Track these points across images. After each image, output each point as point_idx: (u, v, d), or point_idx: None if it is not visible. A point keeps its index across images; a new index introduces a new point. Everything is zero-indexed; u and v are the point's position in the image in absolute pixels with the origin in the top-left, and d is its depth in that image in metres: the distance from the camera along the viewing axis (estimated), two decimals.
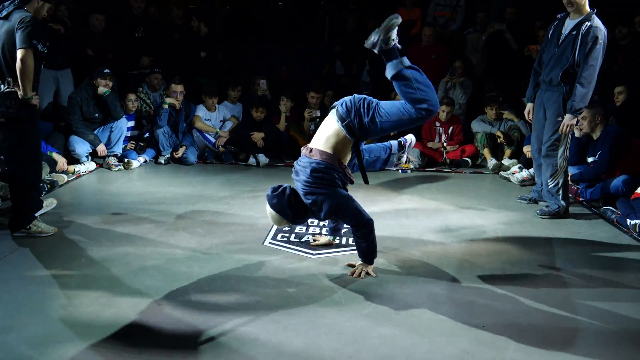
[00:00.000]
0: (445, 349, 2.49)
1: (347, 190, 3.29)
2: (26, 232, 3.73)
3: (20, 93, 3.54)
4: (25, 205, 3.75)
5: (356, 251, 3.35)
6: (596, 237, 4.05)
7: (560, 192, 4.40)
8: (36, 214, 3.84)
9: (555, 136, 4.31)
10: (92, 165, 5.69)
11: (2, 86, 3.55)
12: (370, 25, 7.59)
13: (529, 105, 4.67)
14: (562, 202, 4.41)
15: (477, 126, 6.33)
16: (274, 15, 9.15)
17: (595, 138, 4.91)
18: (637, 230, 4.01)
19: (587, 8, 4.10)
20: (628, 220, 4.13)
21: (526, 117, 4.76)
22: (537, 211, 4.49)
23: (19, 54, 3.46)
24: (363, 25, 7.70)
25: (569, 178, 4.96)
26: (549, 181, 4.42)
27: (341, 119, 3.15)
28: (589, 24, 4.03)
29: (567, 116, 4.17)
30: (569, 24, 4.17)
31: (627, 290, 3.16)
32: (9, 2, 3.59)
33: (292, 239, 3.83)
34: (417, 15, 7.71)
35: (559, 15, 4.32)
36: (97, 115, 5.72)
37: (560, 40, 4.20)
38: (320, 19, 8.68)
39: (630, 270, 3.49)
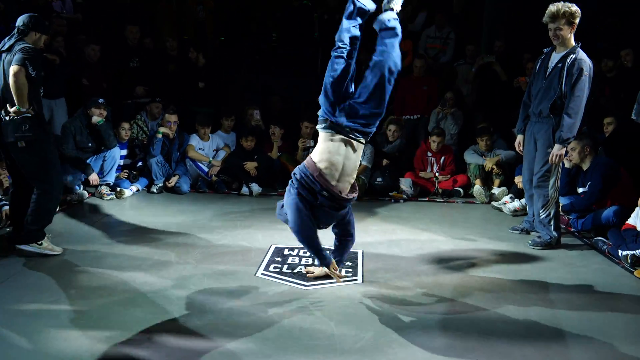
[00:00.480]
0: None
1: (318, 198, 3.23)
2: (37, 247, 3.91)
3: (18, 108, 3.75)
4: (43, 221, 3.95)
5: (349, 283, 3.33)
6: (588, 268, 4.06)
7: (552, 222, 4.42)
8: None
9: (545, 167, 4.35)
10: (84, 194, 5.67)
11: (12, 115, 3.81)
12: (363, 57, 7.73)
13: (520, 137, 4.71)
14: (554, 233, 4.43)
15: (469, 157, 6.39)
16: (267, 47, 9.28)
17: (584, 169, 4.97)
18: (629, 261, 4.02)
19: (573, 42, 4.21)
20: (619, 251, 4.14)
21: (517, 149, 4.80)
22: (530, 242, 4.50)
23: (11, 70, 3.67)
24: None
25: (560, 209, 5.00)
26: (540, 212, 4.44)
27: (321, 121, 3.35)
28: (574, 56, 4.13)
29: (556, 146, 4.23)
30: (555, 57, 4.27)
31: (619, 322, 3.16)
32: (9, 36, 3.86)
33: (284, 269, 3.81)
34: (409, 47, 7.85)
35: (545, 50, 4.42)
36: (90, 144, 5.72)
37: (547, 73, 4.29)
38: (313, 51, 8.80)
39: (622, 301, 3.48)
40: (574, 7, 4.08)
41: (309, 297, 3.37)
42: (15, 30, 3.87)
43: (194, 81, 7.09)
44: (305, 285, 3.54)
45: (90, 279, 3.55)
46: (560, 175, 4.41)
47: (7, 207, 4.42)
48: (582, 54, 4.15)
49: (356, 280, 3.67)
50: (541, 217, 4.43)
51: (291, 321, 3.03)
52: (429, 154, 6.40)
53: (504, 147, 6.42)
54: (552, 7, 4.10)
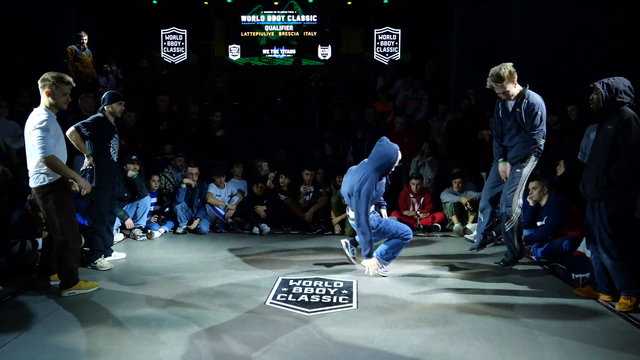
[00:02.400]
0: None
1: None
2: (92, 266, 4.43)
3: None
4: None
5: (345, 308, 3.28)
6: (547, 290, 4.01)
7: (515, 235, 4.31)
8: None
9: (513, 187, 4.24)
10: (120, 237, 5.66)
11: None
12: (353, 116, 7.89)
13: (503, 165, 4.40)
14: (517, 246, 4.34)
15: (445, 197, 6.41)
16: (273, 109, 9.48)
17: (542, 205, 4.98)
18: (581, 282, 3.99)
19: (520, 87, 4.14)
20: (572, 275, 4.12)
21: (503, 177, 4.45)
22: (500, 262, 4.44)
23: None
24: (346, 116, 7.98)
25: (522, 238, 4.97)
26: (505, 225, 4.30)
27: None
28: (527, 101, 4.10)
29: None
30: (511, 103, 4.22)
31: (576, 330, 3.10)
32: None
33: (289, 298, 3.76)
34: (390, 107, 8.02)
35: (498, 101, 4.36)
36: (126, 194, 5.75)
37: (509, 115, 4.24)
38: (312, 111, 8.98)
39: (577, 315, 3.45)
40: (507, 69, 4.03)
41: (311, 322, 3.31)
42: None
43: (212, 133, 7.17)
44: (308, 312, 3.48)
45: (124, 310, 3.49)
46: (522, 194, 4.32)
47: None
48: (532, 97, 4.11)
49: (352, 306, 3.62)
50: (507, 230, 4.31)
51: (296, 343, 2.97)
52: (411, 195, 6.42)
53: (474, 188, 6.46)
54: (493, 74, 4.06)
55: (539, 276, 4.39)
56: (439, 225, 6.24)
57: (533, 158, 4.21)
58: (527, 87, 4.17)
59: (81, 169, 4.56)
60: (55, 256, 3.79)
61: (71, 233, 3.74)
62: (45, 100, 3.69)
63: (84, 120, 4.46)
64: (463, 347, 2.94)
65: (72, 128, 4.31)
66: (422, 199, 6.40)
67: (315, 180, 6.64)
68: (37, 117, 3.62)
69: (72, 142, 4.30)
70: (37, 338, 3.02)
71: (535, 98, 4.14)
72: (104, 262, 4.51)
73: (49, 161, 3.57)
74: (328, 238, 5.94)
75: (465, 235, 5.87)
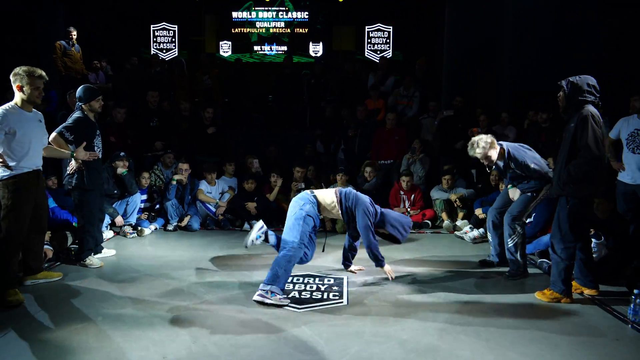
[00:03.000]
0: None
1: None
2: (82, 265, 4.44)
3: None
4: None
5: (336, 304, 3.30)
6: (533, 284, 4.07)
7: (519, 250, 4.28)
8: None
9: (521, 209, 4.27)
10: (110, 234, 5.62)
11: None
12: (344, 113, 7.91)
13: (513, 192, 4.41)
14: (520, 260, 4.28)
15: (435, 194, 6.45)
16: (264, 106, 9.45)
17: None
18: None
19: (499, 151, 4.16)
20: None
21: (512, 198, 4.41)
22: (506, 273, 4.32)
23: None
24: (338, 113, 7.99)
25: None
26: (508, 241, 4.31)
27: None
28: (507, 160, 4.14)
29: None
30: (499, 162, 4.27)
31: (561, 325, 3.16)
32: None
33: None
34: (382, 104, 8.04)
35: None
36: (115, 191, 5.71)
37: (504, 172, 4.35)
38: (303, 108, 8.98)
39: (565, 310, 3.48)
40: (484, 141, 4.11)
41: (302, 318, 3.33)
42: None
43: (203, 130, 7.13)
44: (298, 309, 3.50)
45: (114, 306, 3.49)
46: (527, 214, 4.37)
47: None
48: (515, 153, 4.13)
49: (342, 302, 3.64)
50: (509, 245, 4.31)
51: (287, 339, 2.99)
52: (401, 192, 6.46)
53: (464, 185, 6.51)
54: (473, 151, 4.15)
55: (530, 272, 4.44)
56: (429, 222, 6.28)
57: (545, 187, 4.20)
58: (506, 149, 4.18)
59: (67, 172, 4.52)
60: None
61: (7, 239, 3.53)
62: (17, 95, 3.58)
63: (65, 124, 4.32)
64: (452, 342, 2.98)
65: (54, 134, 4.20)
66: (413, 195, 6.44)
67: (307, 177, 6.65)
68: None
69: (55, 146, 4.19)
70: (26, 335, 3.00)
71: (517, 152, 4.15)
72: (94, 260, 4.50)
73: None
74: (318, 234, 5.93)
75: (455, 232, 5.92)
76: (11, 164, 3.52)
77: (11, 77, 3.58)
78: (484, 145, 4.15)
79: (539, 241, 4.78)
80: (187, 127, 7.38)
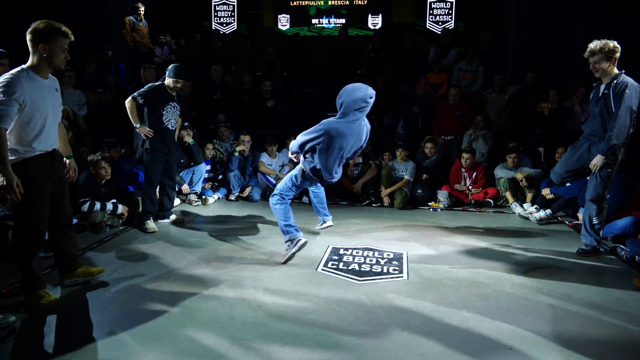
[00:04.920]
0: None
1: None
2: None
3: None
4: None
5: (396, 279, 3.31)
6: (607, 273, 3.85)
7: (598, 229, 4.17)
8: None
9: (597, 182, 4.08)
10: (177, 201, 5.90)
11: None
12: (403, 87, 7.71)
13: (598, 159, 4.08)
14: (599, 237, 4.19)
15: (499, 172, 6.20)
16: (321, 80, 9.37)
17: None
18: None
19: (615, 71, 3.94)
20: (636, 257, 3.93)
21: (594, 165, 4.14)
22: (579, 250, 4.20)
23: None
24: (392, 86, 7.79)
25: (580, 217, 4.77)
26: (594, 219, 4.17)
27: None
28: (616, 81, 3.88)
29: (597, 157, 3.98)
30: (602, 87, 4.00)
31: (635, 320, 3.00)
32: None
33: (340, 266, 3.82)
34: (444, 79, 7.77)
35: (595, 84, 4.15)
36: (182, 160, 5.97)
37: (597, 101, 4.04)
38: (362, 82, 8.83)
39: (637, 300, 3.31)
40: (612, 44, 3.85)
41: (361, 289, 3.37)
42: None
43: (263, 104, 7.25)
44: (359, 280, 3.54)
45: (183, 268, 3.70)
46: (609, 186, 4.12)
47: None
48: (624, 78, 3.89)
49: (402, 277, 3.64)
50: (594, 223, 4.17)
51: (348, 309, 3.04)
52: (463, 169, 6.27)
53: (529, 165, 6.21)
54: (592, 45, 3.92)
55: (599, 257, 4.20)
56: (491, 201, 6.08)
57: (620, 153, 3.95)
58: (624, 72, 3.91)
59: (141, 140, 4.88)
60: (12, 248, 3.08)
61: (27, 233, 2.92)
62: (34, 57, 2.84)
63: (141, 90, 4.71)
64: (516, 322, 2.90)
65: (129, 98, 4.64)
66: (475, 173, 6.23)
67: (363, 152, 6.60)
68: (4, 75, 2.78)
69: (128, 110, 4.63)
70: (115, 286, 3.26)
71: (628, 80, 3.86)
72: (150, 224, 4.74)
73: None
74: (377, 209, 5.95)
75: (519, 212, 5.66)
76: (19, 147, 2.84)
77: (28, 35, 2.82)
78: (611, 48, 3.83)
79: (613, 225, 4.50)
80: (247, 100, 7.50)
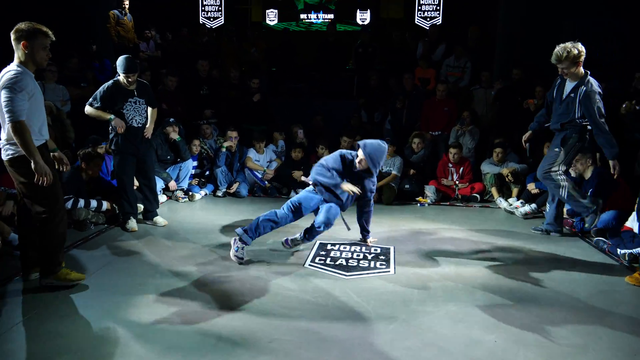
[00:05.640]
0: None
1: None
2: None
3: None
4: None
5: (383, 273, 3.31)
6: (590, 265, 3.92)
7: (575, 194, 4.27)
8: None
9: (549, 163, 4.31)
10: (163, 198, 5.85)
11: None
12: (392, 82, 7.73)
13: (528, 133, 4.68)
14: (585, 201, 4.29)
15: (486, 167, 6.26)
16: (309, 75, 9.35)
17: (586, 178, 4.81)
18: (627, 258, 3.86)
19: (582, 72, 4.03)
20: (618, 250, 4.00)
21: (524, 139, 4.72)
22: (586, 225, 4.46)
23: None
24: (384, 82, 7.81)
25: (565, 212, 4.84)
26: (561, 194, 4.31)
27: None
28: (585, 88, 3.97)
29: (611, 163, 4.09)
30: (569, 86, 4.12)
31: (621, 310, 3.04)
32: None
33: (327, 261, 3.83)
34: (432, 74, 7.80)
35: (560, 75, 4.24)
36: (169, 157, 5.91)
37: (562, 99, 4.18)
38: (350, 77, 8.86)
39: (619, 293, 3.35)
40: (575, 50, 3.91)
41: (348, 285, 3.38)
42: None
43: (250, 99, 7.18)
44: (346, 275, 3.55)
45: (169, 267, 3.67)
46: (562, 162, 4.28)
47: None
48: (591, 84, 3.99)
49: (389, 271, 3.66)
50: (564, 197, 4.30)
51: (335, 305, 3.05)
52: (450, 164, 6.31)
53: (516, 160, 6.28)
54: (557, 51, 3.97)
55: (582, 250, 4.28)
56: (477, 196, 6.14)
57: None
58: (589, 74, 4.01)
59: (112, 135, 4.57)
60: (37, 236, 3.18)
61: (53, 210, 3.11)
62: (20, 54, 3.00)
63: (95, 93, 4.46)
64: (502, 316, 2.93)
65: (86, 105, 4.46)
66: (462, 168, 6.28)
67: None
68: (7, 74, 2.93)
69: (92, 116, 4.46)
70: (89, 290, 3.23)
71: (594, 87, 3.98)
72: (131, 223, 4.58)
73: (16, 127, 2.87)
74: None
75: (504, 207, 5.72)
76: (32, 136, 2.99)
77: (12, 35, 2.99)
78: (576, 55, 3.91)
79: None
80: (233, 95, 7.46)
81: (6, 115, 2.89)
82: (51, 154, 3.27)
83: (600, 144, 4.08)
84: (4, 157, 3.08)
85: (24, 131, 2.90)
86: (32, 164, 2.93)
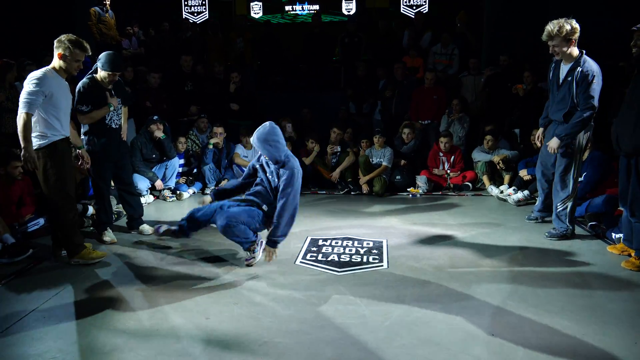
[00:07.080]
0: (460, 357, 2.36)
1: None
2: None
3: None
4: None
5: (376, 268, 3.22)
6: (585, 249, 3.87)
7: (568, 215, 4.07)
8: None
9: (564, 164, 4.00)
10: (150, 198, 5.71)
11: None
12: (380, 72, 7.61)
13: (539, 130, 4.30)
14: (570, 225, 4.09)
15: (477, 155, 6.18)
16: (296, 68, 9.19)
17: (583, 159, 4.74)
18: (621, 242, 3.81)
19: (576, 52, 3.78)
20: (613, 234, 3.96)
21: (535, 140, 4.38)
22: (546, 234, 4.15)
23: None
24: (371, 72, 7.69)
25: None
26: (558, 205, 4.10)
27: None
28: (580, 69, 3.73)
29: (554, 140, 3.91)
30: (564, 69, 3.87)
31: (616, 297, 2.99)
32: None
33: (319, 258, 3.74)
34: (420, 63, 7.70)
35: (554, 59, 3.98)
36: (154, 155, 5.77)
37: (559, 85, 3.92)
38: (336, 69, 8.73)
39: (616, 278, 3.30)
40: (569, 26, 3.66)
41: (341, 281, 3.29)
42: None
43: (228, 103, 7.04)
44: (338, 271, 3.46)
45: (157, 268, 3.56)
46: (578, 171, 4.04)
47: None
48: (588, 64, 3.74)
49: (382, 266, 3.57)
50: (558, 210, 4.09)
51: (327, 302, 2.96)
52: (440, 153, 6.23)
53: (507, 147, 6.21)
54: (549, 27, 3.72)
55: (577, 236, 4.21)
56: (469, 184, 6.07)
57: (584, 135, 3.90)
58: (585, 53, 3.78)
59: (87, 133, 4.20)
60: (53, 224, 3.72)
61: (62, 199, 3.56)
62: (56, 62, 3.51)
63: (77, 98, 4.00)
64: (498, 308, 2.87)
65: (77, 114, 4.02)
66: (452, 157, 6.20)
67: (343, 140, 6.50)
68: (33, 72, 3.43)
69: (90, 121, 4.05)
70: (74, 295, 3.11)
71: (591, 67, 3.73)
72: (107, 234, 4.21)
73: (21, 117, 3.31)
74: (356, 198, 5.87)
75: (497, 194, 5.66)
76: (48, 131, 3.46)
77: (55, 43, 3.50)
78: (569, 31, 3.65)
79: (590, 203, 4.51)
80: (220, 90, 7.30)
81: (19, 105, 3.34)
82: (77, 150, 3.83)
83: (569, 124, 3.84)
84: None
85: (26, 122, 3.33)
86: (22, 151, 3.36)
